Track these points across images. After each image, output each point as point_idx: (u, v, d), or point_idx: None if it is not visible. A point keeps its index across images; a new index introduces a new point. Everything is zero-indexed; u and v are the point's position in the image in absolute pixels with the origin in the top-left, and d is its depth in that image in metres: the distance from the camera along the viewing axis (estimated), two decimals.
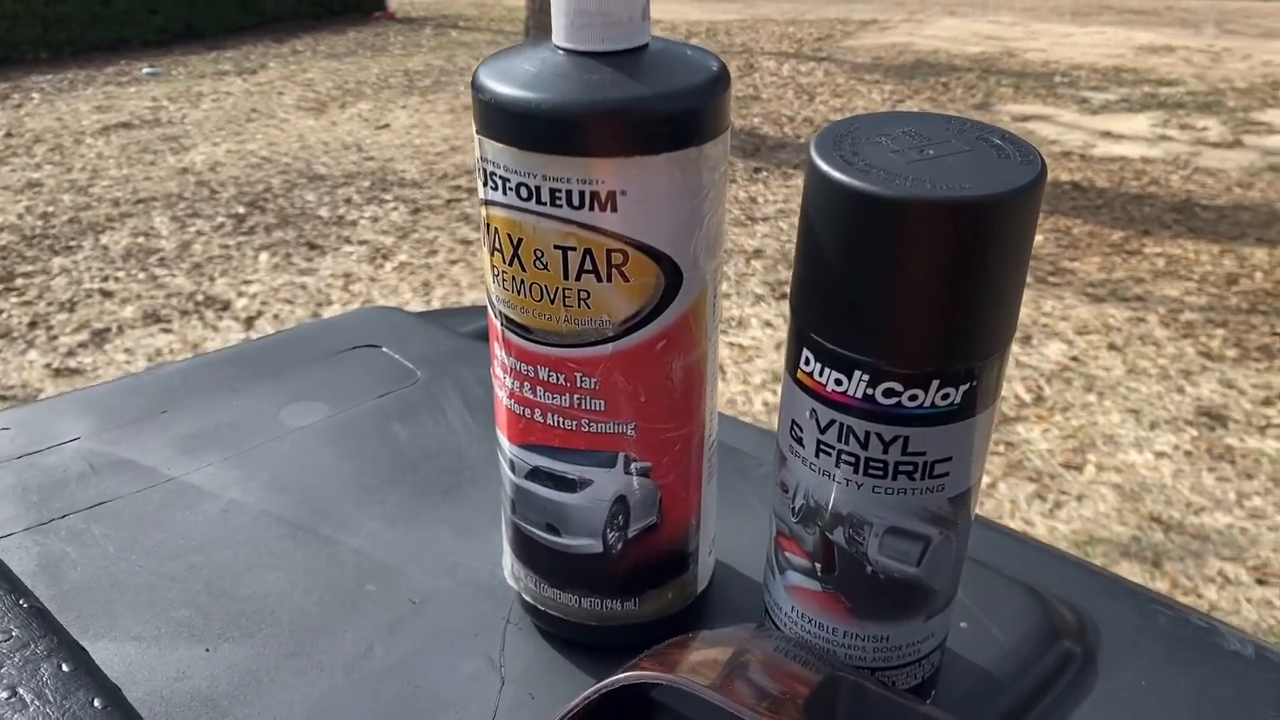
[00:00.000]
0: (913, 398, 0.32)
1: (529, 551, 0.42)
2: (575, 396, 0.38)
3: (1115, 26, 6.94)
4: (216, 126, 5.10)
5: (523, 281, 0.36)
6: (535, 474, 0.40)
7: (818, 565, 0.37)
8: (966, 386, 0.33)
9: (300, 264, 3.44)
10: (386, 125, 5.05)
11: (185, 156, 4.63)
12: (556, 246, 0.35)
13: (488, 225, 0.37)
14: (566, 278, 0.35)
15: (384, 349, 0.63)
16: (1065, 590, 0.48)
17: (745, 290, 3.15)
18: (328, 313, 3.07)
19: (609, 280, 0.35)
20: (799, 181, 4.04)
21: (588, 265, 0.35)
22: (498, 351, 0.39)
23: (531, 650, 0.43)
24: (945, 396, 0.32)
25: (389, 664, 0.42)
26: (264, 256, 3.50)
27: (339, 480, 0.52)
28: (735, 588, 0.46)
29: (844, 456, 0.34)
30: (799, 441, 0.35)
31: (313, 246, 3.58)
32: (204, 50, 6.59)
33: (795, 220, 3.77)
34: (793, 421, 0.35)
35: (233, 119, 5.21)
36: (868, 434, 0.33)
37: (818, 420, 0.34)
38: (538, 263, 0.36)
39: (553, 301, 0.36)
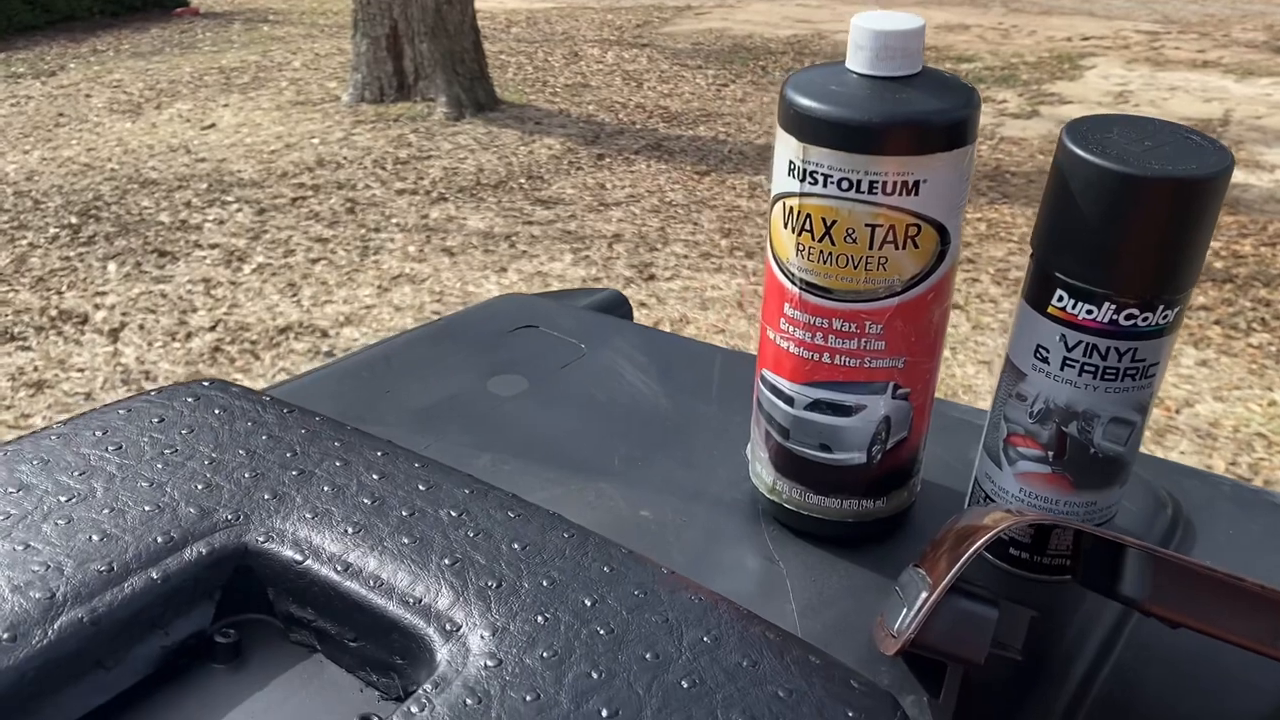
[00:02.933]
0: (1145, 319, 0.46)
1: (797, 468, 0.53)
2: (863, 340, 0.49)
3: (913, 7, 7.41)
4: (22, 133, 4.80)
5: (830, 254, 0.47)
6: (815, 405, 0.51)
7: (1050, 453, 0.50)
8: (1178, 309, 0.46)
9: (153, 272, 3.33)
10: (212, 125, 4.88)
11: None
12: (867, 224, 0.46)
13: (796, 212, 0.48)
14: (871, 248, 0.47)
15: (541, 328, 0.72)
16: (1148, 474, 0.63)
17: (614, 274, 3.26)
18: (194, 320, 3.01)
19: (903, 248, 0.47)
20: (642, 167, 4.19)
21: (890, 238, 0.47)
22: (788, 310, 0.50)
23: (794, 546, 0.54)
24: (1165, 316, 0.46)
25: (692, 568, 0.52)
26: (112, 266, 3.36)
27: (570, 436, 0.61)
28: (929, 487, 0.58)
29: (1086, 367, 0.47)
30: (1044, 360, 0.48)
31: (162, 253, 3.47)
32: None
33: (646, 205, 3.88)
34: (1038, 346, 0.48)
35: (39, 125, 4.92)
36: (1109, 348, 0.46)
37: (1066, 342, 0.47)
38: (848, 238, 0.47)
39: (855, 267, 0.47)
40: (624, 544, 0.53)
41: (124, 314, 3.02)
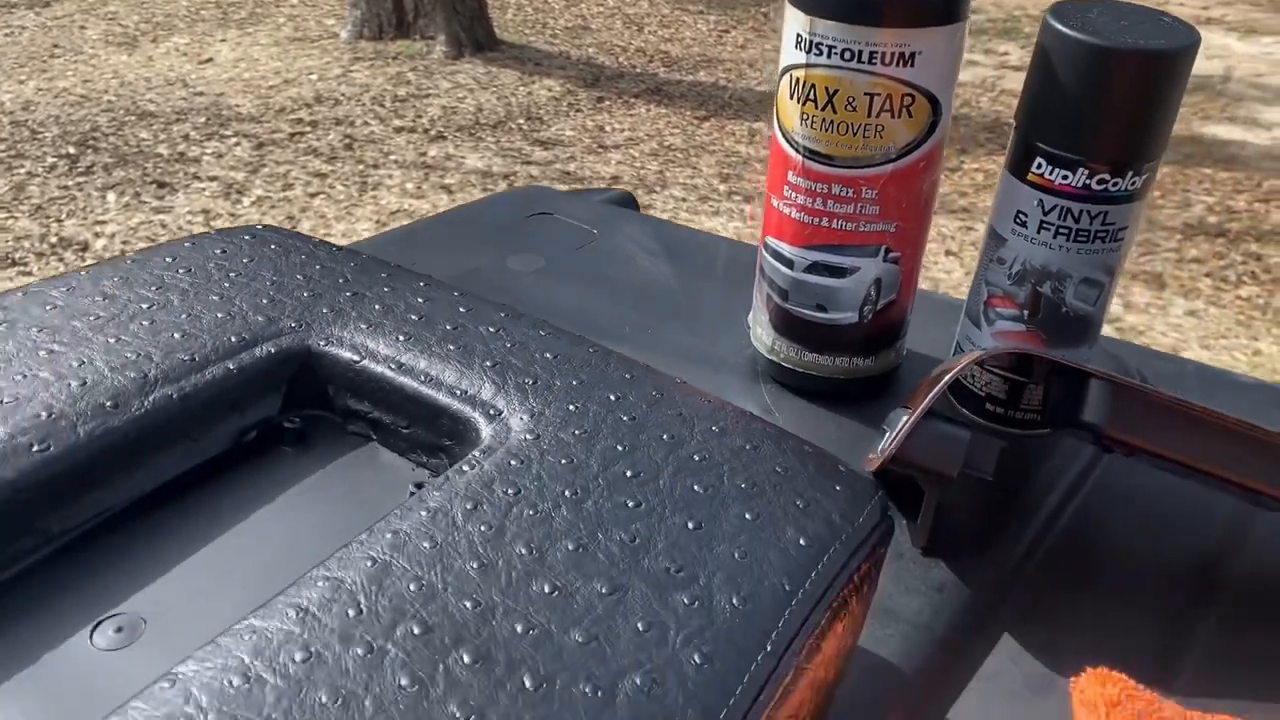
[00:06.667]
0: (1115, 184, 0.50)
1: (795, 328, 0.58)
2: (859, 205, 0.54)
3: None
4: (17, 63, 4.79)
5: (832, 121, 0.52)
6: (813, 267, 0.56)
7: (1025, 312, 0.55)
8: (1145, 176, 0.51)
9: (152, 202, 3.35)
10: (210, 60, 4.87)
11: None
12: (866, 93, 0.51)
13: (802, 82, 0.52)
14: (869, 116, 0.51)
15: (557, 215, 0.76)
16: (1119, 353, 0.68)
17: None
18: None
19: (899, 117, 0.51)
20: (642, 110, 4.20)
21: (886, 106, 0.51)
22: (791, 178, 0.55)
23: (790, 401, 0.59)
24: (1134, 183, 0.51)
25: None
26: (111, 196, 3.38)
27: (582, 307, 0.66)
28: (915, 359, 0.63)
29: (1060, 230, 0.52)
30: (1023, 225, 0.53)
31: (161, 185, 3.49)
32: None
33: (645, 149, 3.89)
34: (1017, 211, 0.53)
35: (34, 56, 4.90)
36: (1081, 211, 0.51)
37: (1043, 206, 0.52)
38: (848, 106, 0.51)
39: (854, 134, 0.52)
40: None
41: (124, 242, 3.05)
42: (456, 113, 4.13)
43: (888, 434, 0.48)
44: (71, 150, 3.76)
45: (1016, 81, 4.49)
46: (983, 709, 0.44)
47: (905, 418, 0.46)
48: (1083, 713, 0.42)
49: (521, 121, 4.05)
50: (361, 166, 3.66)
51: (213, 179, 3.54)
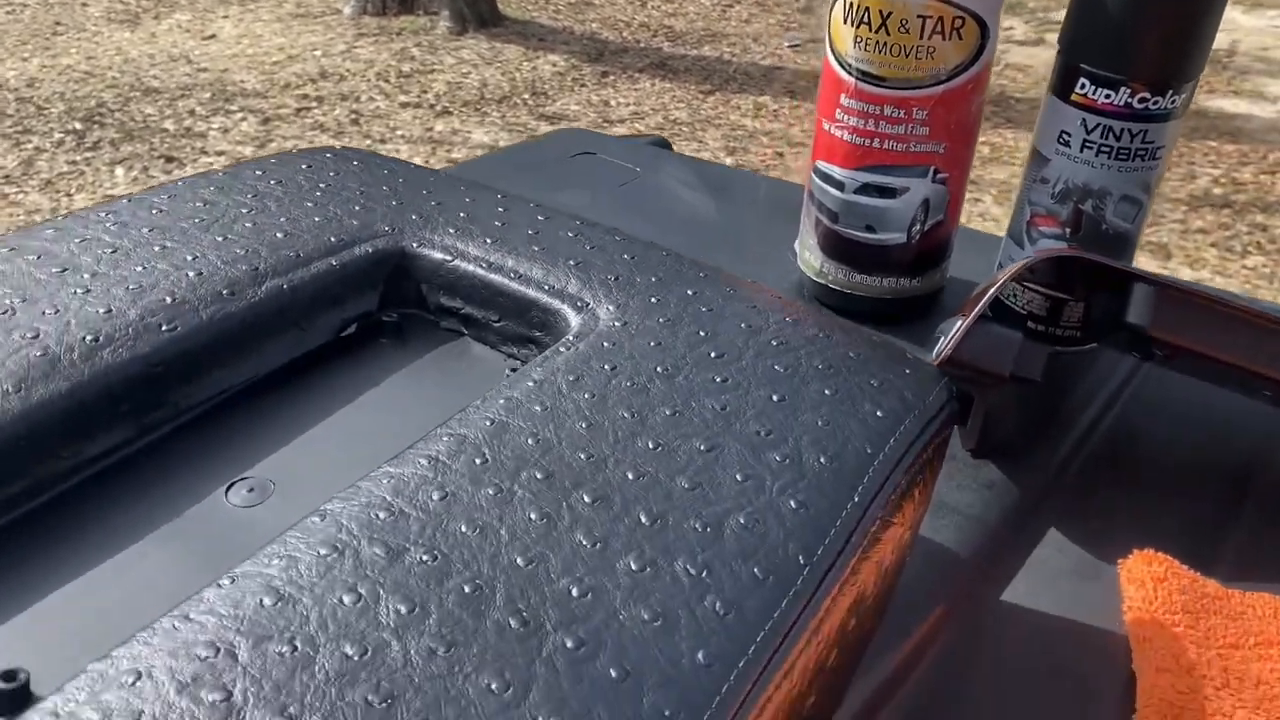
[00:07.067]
0: (1155, 102, 0.53)
1: (844, 250, 0.61)
2: (910, 125, 0.56)
3: None
4: (20, 40, 4.79)
5: (885, 44, 0.54)
6: (864, 189, 0.58)
7: (1067, 230, 0.57)
8: (1184, 95, 0.53)
9: (161, 177, 3.36)
10: (213, 36, 4.87)
11: None
12: (919, 15, 0.53)
13: (856, 6, 0.54)
14: (921, 38, 0.54)
15: (600, 155, 0.79)
16: None
17: None
18: None
19: (949, 39, 0.54)
20: (646, 85, 4.21)
21: (938, 29, 0.53)
22: (844, 101, 0.57)
23: None
24: (1173, 101, 0.53)
25: None
26: (120, 171, 3.40)
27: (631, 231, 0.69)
28: (958, 284, 0.66)
29: (1102, 148, 0.54)
30: (1066, 144, 0.55)
31: (169, 159, 3.50)
32: None
33: (650, 123, 3.90)
34: (1061, 131, 0.55)
35: (36, 32, 4.90)
36: (1123, 130, 0.53)
37: (1086, 125, 0.54)
38: (901, 28, 0.54)
39: (907, 56, 0.54)
40: None
41: None
42: (461, 88, 4.13)
43: (942, 339, 0.50)
44: (78, 126, 3.77)
45: (1022, 55, 4.50)
46: (1034, 591, 0.46)
47: (960, 321, 0.49)
48: (1131, 589, 0.45)
49: (526, 96, 4.06)
50: (369, 141, 3.67)
51: (220, 153, 3.55)
